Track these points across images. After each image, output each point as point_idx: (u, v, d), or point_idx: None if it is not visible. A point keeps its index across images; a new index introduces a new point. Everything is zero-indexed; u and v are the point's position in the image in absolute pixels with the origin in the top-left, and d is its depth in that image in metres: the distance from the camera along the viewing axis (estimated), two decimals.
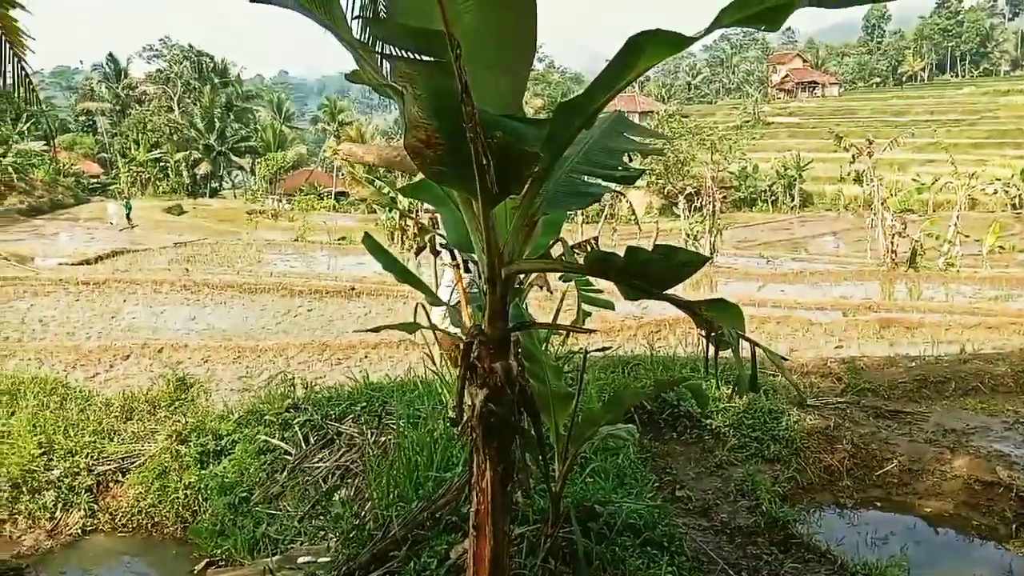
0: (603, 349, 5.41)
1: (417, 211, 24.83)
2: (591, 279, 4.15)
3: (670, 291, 2.17)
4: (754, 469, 4.90)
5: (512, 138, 1.82)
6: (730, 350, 2.34)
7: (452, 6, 1.76)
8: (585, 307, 4.36)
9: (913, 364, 7.46)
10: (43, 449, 5.69)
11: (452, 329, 3.50)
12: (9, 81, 5.20)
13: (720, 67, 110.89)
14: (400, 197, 24.38)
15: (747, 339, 2.42)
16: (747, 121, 66.71)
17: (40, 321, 12.87)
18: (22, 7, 4.68)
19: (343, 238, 30.29)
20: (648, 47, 1.80)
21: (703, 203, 25.27)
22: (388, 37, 1.98)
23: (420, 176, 2.82)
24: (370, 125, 62.86)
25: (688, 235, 24.52)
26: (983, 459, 5.12)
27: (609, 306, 4.27)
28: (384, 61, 2.15)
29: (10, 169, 43.35)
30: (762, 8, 1.80)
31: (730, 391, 5.56)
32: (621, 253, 2.07)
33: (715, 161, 29.94)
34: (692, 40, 1.79)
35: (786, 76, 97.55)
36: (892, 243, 20.82)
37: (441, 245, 4.33)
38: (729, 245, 27.78)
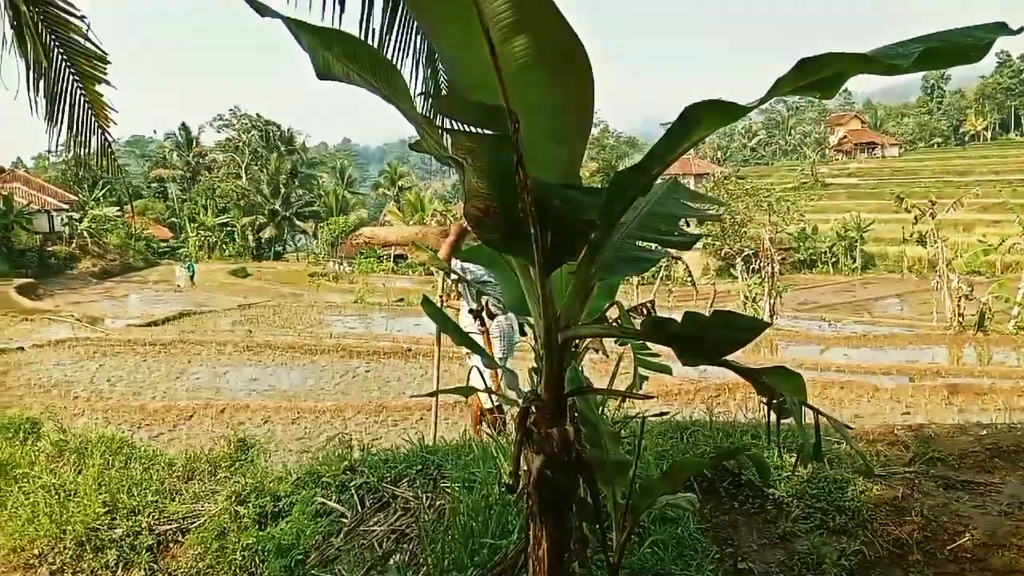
0: (661, 414, 5.33)
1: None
2: (647, 343, 4.13)
3: (728, 357, 2.15)
4: (819, 541, 4.71)
5: (568, 207, 1.86)
6: (792, 418, 2.30)
7: (511, 80, 1.82)
8: (642, 371, 4.32)
9: (984, 432, 7.12)
10: (107, 508, 5.79)
11: (509, 393, 3.51)
12: (93, 150, 5.48)
13: (777, 129, 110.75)
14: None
15: (810, 407, 2.37)
16: (805, 182, 66.20)
17: (108, 381, 13.27)
18: (107, 82, 4.98)
19: (401, 300, 30.73)
20: (704, 117, 1.83)
21: (761, 264, 24.96)
22: (449, 111, 2.06)
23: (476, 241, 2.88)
24: (428, 190, 64.25)
25: (746, 297, 24.19)
26: None
27: (666, 371, 4.23)
28: (445, 133, 2.22)
29: (85, 234, 45.46)
30: (817, 78, 1.82)
31: (793, 460, 5.40)
32: (677, 316, 2.07)
33: (773, 222, 29.68)
34: (748, 109, 1.82)
35: (844, 137, 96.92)
36: (959, 306, 20.20)
37: (493, 307, 4.40)
38: (789, 307, 27.28)
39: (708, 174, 62.36)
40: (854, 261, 46.88)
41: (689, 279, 26.55)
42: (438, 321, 3.27)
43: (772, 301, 23.27)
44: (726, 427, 7.09)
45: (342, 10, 4.18)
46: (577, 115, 1.94)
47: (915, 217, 24.91)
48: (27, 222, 43.08)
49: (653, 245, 2.57)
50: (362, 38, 4.38)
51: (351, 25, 4.34)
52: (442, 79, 4.91)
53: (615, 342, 4.27)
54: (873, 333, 20.69)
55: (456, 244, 6.38)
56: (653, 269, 32.13)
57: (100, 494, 5.89)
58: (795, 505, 5.15)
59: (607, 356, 4.62)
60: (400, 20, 4.50)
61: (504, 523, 3.82)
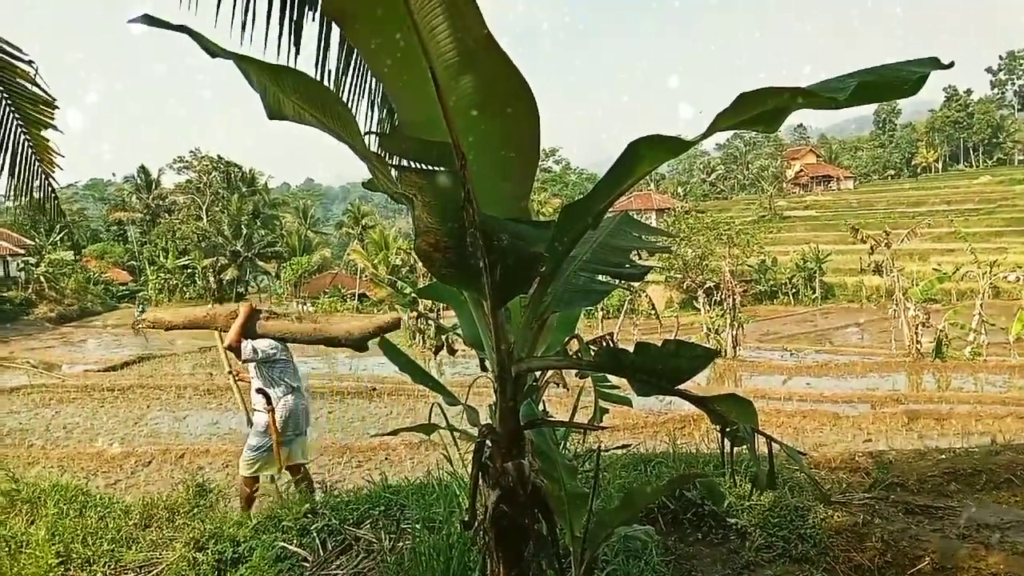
0: (624, 447, 5.35)
1: (438, 312, 25.05)
2: (608, 375, 4.15)
3: (682, 386, 2.18)
4: (782, 570, 4.73)
5: (517, 241, 1.88)
6: (746, 446, 2.32)
7: (459, 118, 1.85)
8: (602, 403, 4.34)
9: (943, 457, 7.25)
10: (61, 559, 5.60)
11: (469, 429, 3.50)
12: (36, 196, 5.40)
13: (735, 164, 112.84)
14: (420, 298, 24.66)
15: (763, 434, 2.40)
16: (763, 216, 67.42)
17: (64, 428, 12.95)
18: (54, 127, 4.94)
19: None
20: (647, 152, 1.88)
21: (723, 297, 25.26)
22: (397, 149, 2.08)
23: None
24: (393, 228, 64.17)
25: (709, 329, 24.42)
26: (1020, 555, 4.91)
27: (626, 402, 4.25)
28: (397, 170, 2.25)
29: (42, 278, 44.57)
30: (758, 112, 1.87)
31: (751, 488, 5.43)
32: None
33: (733, 255, 30.11)
34: (690, 144, 1.87)
35: (800, 171, 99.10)
36: (916, 333, 20.61)
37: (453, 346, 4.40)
38: (752, 338, 27.57)
39: (669, 208, 63.25)
40: (814, 292, 47.64)
41: (653, 312, 26.78)
42: (397, 362, 3.27)
43: (734, 332, 23.51)
44: (688, 458, 7.12)
45: (297, 51, 4.21)
46: (524, 151, 1.97)
47: (871, 247, 25.47)
48: None
49: (606, 278, 2.60)
50: (318, 79, 4.41)
51: (307, 66, 4.37)
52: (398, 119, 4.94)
53: (576, 375, 4.29)
54: (834, 362, 20.99)
55: (245, 325, 6.32)
56: (616, 302, 32.32)
57: (53, 544, 5.70)
58: (758, 534, 5.17)
59: (568, 389, 4.63)
60: (355, 61, 4.54)
61: (465, 563, 3.78)
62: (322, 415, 14.21)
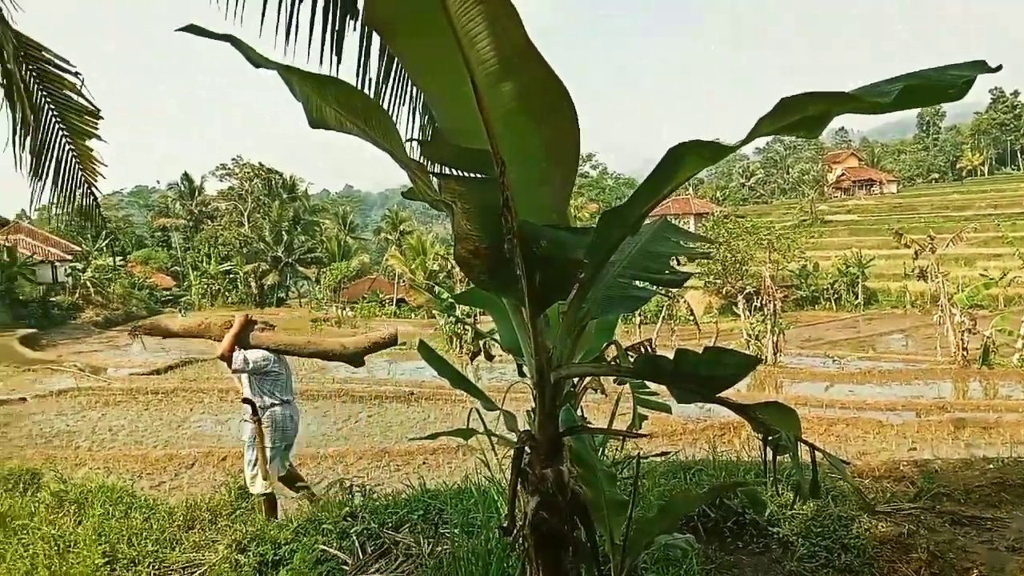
0: (663, 454, 5.30)
1: (475, 317, 25.12)
2: (647, 382, 4.12)
3: (723, 393, 2.16)
4: None
5: (556, 247, 1.88)
6: (788, 454, 2.29)
7: (498, 125, 1.86)
8: (641, 410, 4.31)
9: (991, 466, 7.07)
10: (107, 559, 5.72)
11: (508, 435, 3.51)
12: (80, 203, 5.52)
13: (775, 168, 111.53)
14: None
15: (806, 443, 2.37)
16: (804, 220, 66.48)
17: (110, 430, 13.22)
18: (98, 137, 5.05)
19: (403, 343, 30.66)
20: (687, 157, 1.86)
21: (763, 302, 24.94)
22: (437, 156, 2.10)
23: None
24: (430, 234, 64.53)
25: (749, 335, 24.12)
26: None
27: (665, 409, 4.22)
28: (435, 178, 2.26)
29: (88, 284, 45.66)
30: (800, 117, 1.85)
31: (794, 497, 5.35)
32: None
33: (773, 260, 29.72)
34: (731, 150, 1.85)
35: (842, 175, 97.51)
36: (963, 340, 20.13)
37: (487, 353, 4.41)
38: (793, 345, 27.19)
39: (708, 213, 62.71)
40: (856, 297, 46.78)
41: (691, 318, 26.52)
42: (435, 366, 3.28)
43: (775, 339, 23.19)
44: (729, 466, 7.05)
45: (339, 61, 4.26)
46: (563, 158, 1.97)
47: (915, 252, 24.95)
48: (30, 273, 43.29)
49: (645, 284, 2.59)
50: (359, 87, 4.46)
51: (348, 75, 4.42)
52: (438, 127, 4.97)
53: (614, 381, 4.28)
54: (878, 369, 20.60)
55: (238, 335, 6.29)
56: (654, 308, 32.11)
57: (100, 544, 5.82)
58: (800, 544, 5.09)
59: (606, 395, 4.62)
60: (396, 69, 4.58)
61: (504, 568, 3.78)
62: (361, 419, 14.33)
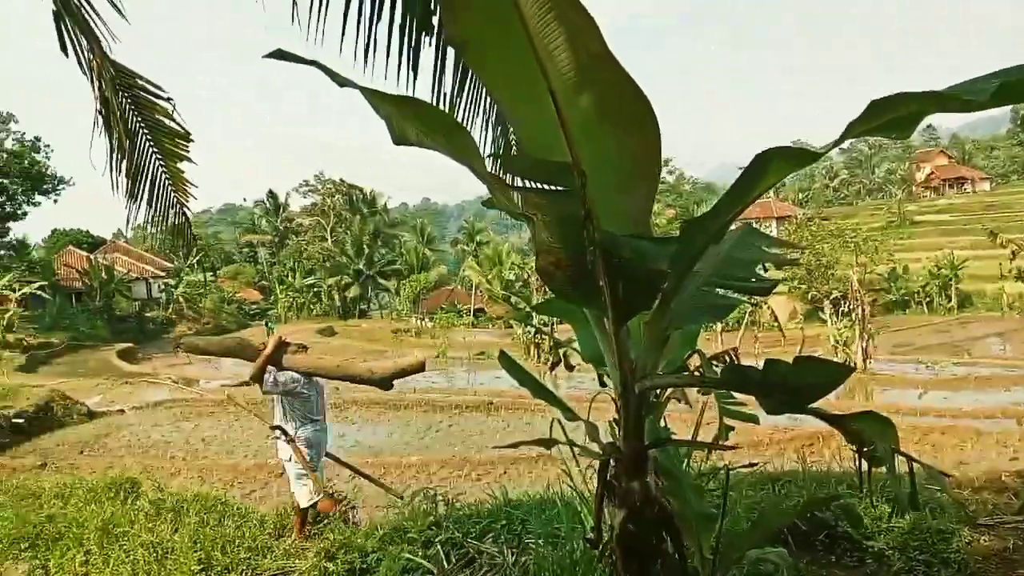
0: (750, 465, 5.17)
1: (552, 326, 25.10)
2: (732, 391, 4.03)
3: (819, 403, 2.09)
4: None
5: (639, 257, 1.86)
6: (885, 466, 2.21)
7: (578, 137, 1.86)
8: (727, 421, 4.21)
9: None
10: (202, 565, 5.92)
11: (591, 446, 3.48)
12: (173, 223, 5.75)
13: (859, 168, 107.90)
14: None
15: (903, 454, 2.28)
16: (892, 221, 64.14)
17: (203, 440, 13.71)
18: (189, 159, 5.27)
19: (481, 353, 30.90)
20: (774, 164, 1.82)
21: (851, 307, 24.10)
22: (517, 170, 2.11)
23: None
24: (506, 244, 64.86)
25: (837, 341, 23.34)
26: None
27: (753, 420, 4.10)
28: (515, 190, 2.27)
29: (181, 299, 47.65)
30: (892, 117, 1.79)
31: (890, 510, 5.13)
32: (761, 364, 2.03)
33: (861, 263, 28.72)
34: (819, 155, 1.80)
35: (931, 174, 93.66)
36: None
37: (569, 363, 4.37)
38: (883, 350, 26.16)
39: (790, 216, 61.09)
40: (949, 300, 44.68)
41: (775, 324, 25.87)
42: (516, 376, 3.29)
43: (864, 344, 22.36)
44: (819, 477, 6.83)
45: (415, 76, 4.33)
46: (644, 168, 1.95)
47: (1012, 252, 23.70)
48: (127, 290, 45.53)
49: (730, 293, 2.54)
50: (433, 101, 4.53)
51: (423, 89, 4.49)
52: (512, 138, 5.01)
53: (698, 391, 4.19)
54: (974, 374, 19.64)
55: (270, 357, 6.46)
56: (737, 315, 31.43)
57: (196, 551, 6.04)
58: (896, 558, 4.88)
59: (690, 406, 4.53)
60: (470, 83, 4.63)
61: None
62: (441, 428, 14.48)
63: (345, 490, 8.76)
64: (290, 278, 60.49)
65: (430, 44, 4.40)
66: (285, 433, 6.72)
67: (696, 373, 3.02)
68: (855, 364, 21.47)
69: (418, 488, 8.28)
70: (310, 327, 47.62)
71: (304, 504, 6.77)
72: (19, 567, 6.46)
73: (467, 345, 33.49)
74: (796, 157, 1.77)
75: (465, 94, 4.75)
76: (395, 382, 6.53)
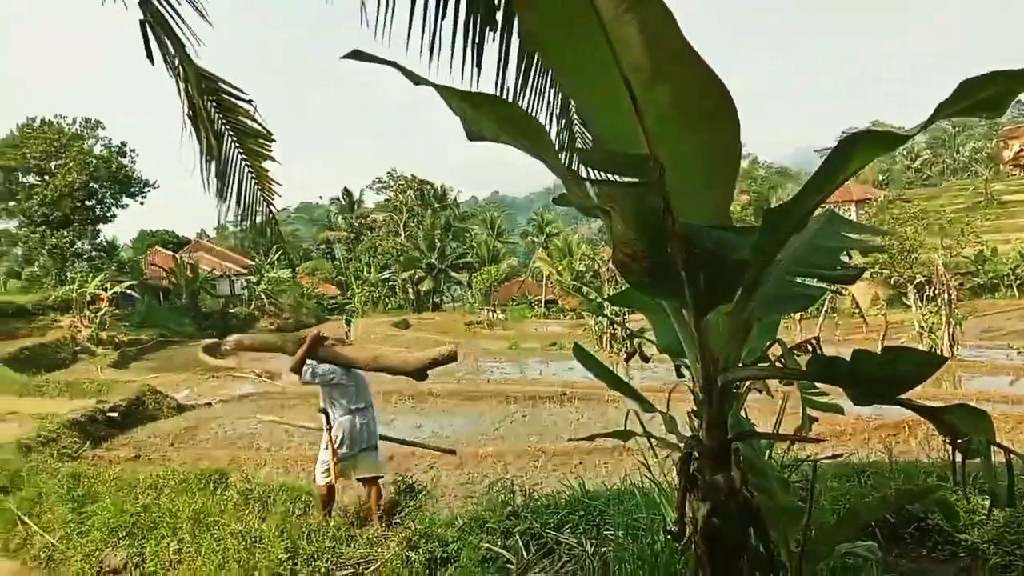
0: (834, 456, 5.04)
1: (624, 316, 24.91)
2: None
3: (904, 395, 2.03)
4: None
5: (720, 248, 1.84)
6: (979, 458, 2.13)
7: (654, 128, 1.84)
8: (810, 412, 4.11)
9: None
10: (289, 554, 6.11)
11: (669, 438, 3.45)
12: (259, 220, 5.92)
13: (943, 148, 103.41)
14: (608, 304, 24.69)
15: (1000, 446, 2.19)
16: (978, 202, 61.33)
17: (286, 432, 14.09)
18: (272, 158, 5.42)
19: (553, 344, 30.92)
20: (861, 148, 1.78)
21: (936, 292, 23.18)
22: (594, 163, 2.10)
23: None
24: (576, 235, 64.54)
25: (922, 327, 22.49)
26: None
27: (837, 410, 4.00)
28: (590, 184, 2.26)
29: (262, 295, 49.10)
30: (983, 96, 1.73)
31: (985, 502, 4.93)
32: (844, 352, 1.98)
33: (946, 246, 27.58)
34: (907, 138, 1.75)
35: (1020, 151, 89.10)
36: None
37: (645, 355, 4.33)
38: (972, 336, 25.10)
39: (869, 199, 59.01)
40: None
41: (856, 311, 25.08)
42: (591, 368, 3.28)
43: (951, 331, 21.49)
44: (907, 468, 6.61)
45: (479, 72, 4.36)
46: (724, 156, 1.93)
47: None
48: (211, 287, 47.23)
49: (814, 281, 2.48)
50: (496, 94, 4.54)
51: (486, 83, 4.50)
52: (576, 131, 5.00)
53: (779, 382, 4.10)
54: None
55: (309, 351, 6.86)
56: (816, 302, 30.52)
57: (282, 540, 6.23)
58: (992, 552, 4.70)
59: (771, 396, 4.44)
60: (533, 76, 4.64)
61: (673, 573, 3.73)
62: (516, 419, 14.54)
63: (424, 480, 8.91)
64: (365, 273, 61.70)
65: (493, 39, 4.42)
66: (327, 417, 7.04)
67: (778, 363, 2.96)
68: (941, 350, 20.68)
69: (495, 479, 8.36)
70: (386, 321, 48.44)
71: (320, 482, 7.05)
72: (118, 555, 6.78)
73: (539, 336, 33.58)
74: (884, 140, 1.72)
75: (528, 88, 4.75)
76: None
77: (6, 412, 15.54)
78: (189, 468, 8.78)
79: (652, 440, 3.48)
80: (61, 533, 7.28)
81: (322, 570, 6.06)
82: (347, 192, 74.97)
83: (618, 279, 33.28)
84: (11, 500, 8.07)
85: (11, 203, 44.68)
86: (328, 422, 7.03)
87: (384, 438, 7.90)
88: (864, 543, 2.95)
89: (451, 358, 7.00)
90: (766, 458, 3.97)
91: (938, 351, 20.39)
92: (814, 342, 3.77)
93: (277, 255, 54.31)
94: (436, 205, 68.47)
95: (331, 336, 7.18)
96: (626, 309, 25.83)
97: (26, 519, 7.69)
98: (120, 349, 31.53)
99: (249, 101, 5.04)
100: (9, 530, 7.69)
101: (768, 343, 3.24)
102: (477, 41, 4.29)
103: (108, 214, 46.08)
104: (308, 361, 6.92)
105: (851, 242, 2.70)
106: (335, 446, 6.91)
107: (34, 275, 43.57)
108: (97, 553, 6.86)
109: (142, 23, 4.12)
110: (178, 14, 4.14)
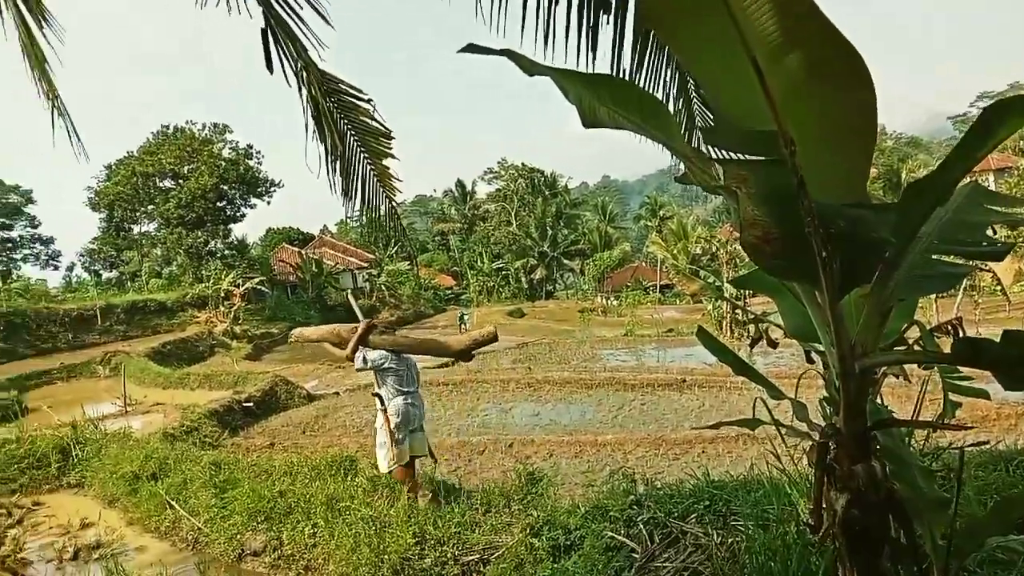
0: (979, 444, 4.73)
1: (744, 300, 24.20)
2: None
3: None
4: None
5: (857, 227, 1.74)
6: None
7: (783, 102, 1.76)
8: (953, 397, 3.87)
9: None
10: (417, 539, 6.29)
11: (799, 426, 3.32)
12: (382, 214, 6.09)
13: None
14: (728, 287, 24.05)
15: None
16: None
17: None
18: (392, 156, 5.55)
19: (670, 330, 30.43)
20: (1012, 115, 1.64)
21: None
22: (719, 142, 2.03)
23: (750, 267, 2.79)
24: (691, 216, 63.26)
25: None
26: None
27: (983, 395, 3.74)
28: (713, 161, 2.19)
29: (383, 287, 50.71)
30: None
31: None
32: (984, 331, 1.84)
33: None
34: None
35: None
36: None
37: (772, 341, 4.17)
38: None
39: (1009, 168, 54.84)
40: None
41: (997, 288, 23.45)
42: (716, 353, 3.20)
43: None
44: None
45: (594, 56, 4.31)
46: (859, 129, 1.82)
47: None
48: (335, 281, 49.12)
49: (959, 259, 2.32)
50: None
51: (600, 68, 4.45)
52: (696, 111, 4.89)
53: (919, 365, 3.87)
54: None
55: (361, 339, 7.38)
56: None
57: (411, 526, 6.42)
58: None
59: (909, 381, 4.20)
60: (649, 56, 4.55)
61: (806, 565, 3.59)
62: (634, 406, 14.41)
63: (544, 467, 8.96)
64: (479, 263, 62.61)
65: (608, 22, 4.36)
66: (381, 401, 7.39)
67: (916, 347, 2.79)
68: None
69: (615, 467, 8.31)
70: (500, 310, 49.00)
71: (384, 469, 7.25)
72: (258, 537, 7.17)
73: (655, 322, 33.09)
74: None
75: (644, 69, 4.67)
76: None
77: (152, 404, 16.70)
78: (320, 455, 9.17)
79: (781, 429, 3.36)
80: (206, 517, 7.76)
81: (448, 555, 6.21)
82: (460, 184, 76.29)
83: (736, 262, 32.35)
84: (161, 486, 8.67)
85: (150, 207, 47.90)
86: (382, 404, 7.38)
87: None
88: (1018, 537, 2.74)
89: (492, 338, 7.55)
90: (907, 447, 3.76)
91: None
92: (955, 323, 3.54)
93: (395, 248, 55.91)
94: (547, 192, 68.69)
95: (380, 324, 7.72)
96: (747, 292, 25.08)
97: (174, 503, 8.25)
98: (253, 342, 33.31)
99: (368, 100, 5.18)
100: (160, 513, 8.27)
101: (905, 325, 3.06)
102: (592, 24, 4.25)
103: (238, 214, 48.67)
104: (360, 348, 7.43)
105: (997, 215, 2.50)
106: (391, 427, 7.21)
107: (173, 274, 46.56)
108: (238, 536, 7.28)
109: (263, 31, 4.29)
110: (300, 18, 4.28)
